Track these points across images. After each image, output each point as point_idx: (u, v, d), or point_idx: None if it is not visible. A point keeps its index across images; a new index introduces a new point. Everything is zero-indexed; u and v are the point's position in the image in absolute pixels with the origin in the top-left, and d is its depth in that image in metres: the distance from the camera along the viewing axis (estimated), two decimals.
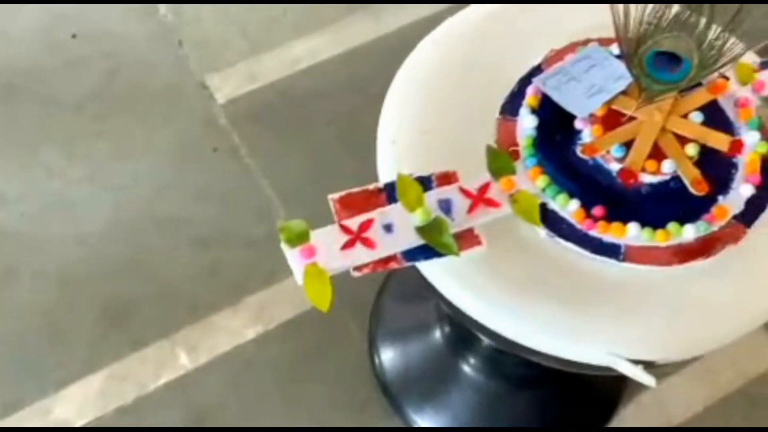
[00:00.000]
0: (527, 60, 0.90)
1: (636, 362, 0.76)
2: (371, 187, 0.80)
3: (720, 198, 0.81)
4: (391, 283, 1.48)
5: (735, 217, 0.81)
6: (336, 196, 0.79)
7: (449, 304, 0.81)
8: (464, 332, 1.28)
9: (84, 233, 1.55)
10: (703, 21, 0.73)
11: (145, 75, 1.77)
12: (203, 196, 1.60)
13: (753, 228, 0.81)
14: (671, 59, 0.76)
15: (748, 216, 0.81)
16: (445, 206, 0.79)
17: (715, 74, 0.85)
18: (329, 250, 0.74)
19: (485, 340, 0.92)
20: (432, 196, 0.79)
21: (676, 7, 0.74)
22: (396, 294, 1.47)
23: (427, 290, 0.84)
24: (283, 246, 0.75)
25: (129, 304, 1.48)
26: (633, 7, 0.73)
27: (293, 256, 0.74)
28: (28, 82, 1.75)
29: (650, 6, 0.73)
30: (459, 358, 1.36)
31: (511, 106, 0.86)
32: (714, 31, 0.73)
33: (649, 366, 0.77)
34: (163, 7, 1.86)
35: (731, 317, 0.79)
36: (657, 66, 0.77)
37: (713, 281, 0.80)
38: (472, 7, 0.96)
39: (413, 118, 0.88)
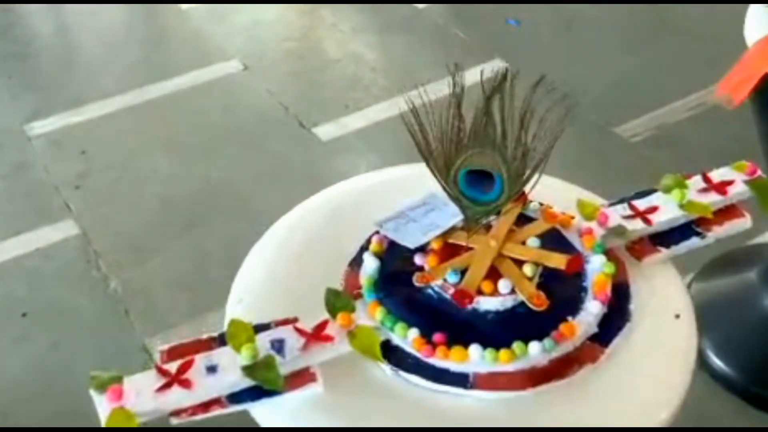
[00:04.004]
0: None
1: None
2: (204, 336, 0.77)
3: (569, 318, 0.77)
4: None
5: (590, 338, 0.77)
6: (165, 347, 0.75)
7: None
8: None
9: None
10: (499, 130, 0.75)
11: (88, 345, 1.77)
12: None
13: (611, 348, 0.76)
14: (483, 177, 0.77)
15: (604, 336, 0.77)
16: (278, 346, 0.75)
17: (558, 211, 0.86)
18: (141, 394, 0.70)
19: None
20: (264, 337, 0.75)
21: (469, 121, 0.76)
22: None
23: None
24: (92, 393, 0.70)
25: None
26: (427, 124, 0.76)
27: (99, 401, 0.69)
28: None
29: (444, 122, 0.75)
30: None
31: (358, 259, 0.86)
32: (510, 138, 0.75)
33: None
34: (113, 282, 1.93)
35: None
36: (472, 185, 0.77)
37: (571, 405, 0.72)
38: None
39: (266, 275, 0.87)
